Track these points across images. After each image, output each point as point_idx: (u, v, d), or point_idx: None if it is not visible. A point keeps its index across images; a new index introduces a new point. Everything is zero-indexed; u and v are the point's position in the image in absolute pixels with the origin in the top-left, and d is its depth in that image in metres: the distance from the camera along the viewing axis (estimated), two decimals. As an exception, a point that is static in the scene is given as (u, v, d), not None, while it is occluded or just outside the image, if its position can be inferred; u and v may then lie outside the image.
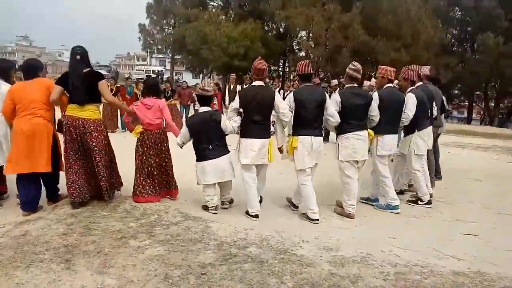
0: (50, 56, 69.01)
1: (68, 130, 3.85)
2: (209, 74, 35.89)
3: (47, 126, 3.83)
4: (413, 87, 4.63)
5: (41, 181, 3.96)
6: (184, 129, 4.08)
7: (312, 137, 3.89)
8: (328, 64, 24.50)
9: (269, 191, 4.56)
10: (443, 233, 3.82)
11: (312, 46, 27.27)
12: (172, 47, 36.61)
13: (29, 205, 3.80)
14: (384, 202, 4.48)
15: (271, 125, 4.11)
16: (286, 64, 33.37)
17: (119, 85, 10.71)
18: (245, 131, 3.94)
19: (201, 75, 36.09)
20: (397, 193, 4.62)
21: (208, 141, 3.93)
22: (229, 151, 4.09)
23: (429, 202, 4.66)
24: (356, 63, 4.20)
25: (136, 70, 50.65)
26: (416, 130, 4.61)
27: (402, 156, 4.82)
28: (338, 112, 4.01)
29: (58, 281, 2.61)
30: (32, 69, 3.97)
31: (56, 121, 4.10)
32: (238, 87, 10.12)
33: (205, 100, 4.13)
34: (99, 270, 2.75)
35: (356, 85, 4.26)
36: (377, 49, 22.02)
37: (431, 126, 4.84)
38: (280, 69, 35.74)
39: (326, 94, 4.06)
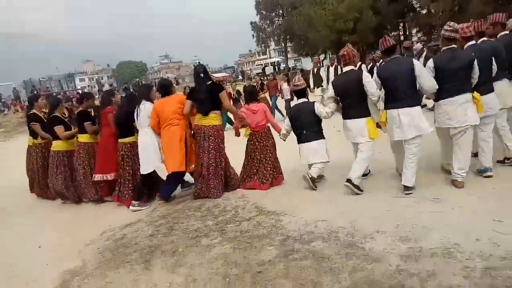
0: (187, 68, 78.43)
1: (196, 137, 4.56)
2: (323, 55, 35.15)
3: (181, 133, 4.54)
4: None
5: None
6: (286, 119, 4.79)
7: (399, 109, 3.81)
8: (454, 17, 20.94)
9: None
10: None
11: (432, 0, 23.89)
12: (283, 37, 37.28)
13: (163, 194, 4.70)
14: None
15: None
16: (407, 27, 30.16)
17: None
18: (343, 114, 4.28)
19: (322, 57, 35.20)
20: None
21: (303, 127, 4.43)
22: (323, 137, 4.48)
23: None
24: (452, 23, 3.81)
25: (256, 65, 53.25)
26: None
27: None
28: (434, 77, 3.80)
29: (137, 280, 2.96)
30: (166, 87, 4.80)
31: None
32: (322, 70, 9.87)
33: (299, 93, 4.64)
34: (171, 269, 3.01)
35: (455, 46, 3.84)
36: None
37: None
38: (401, 33, 32.60)
39: (415, 62, 3.85)
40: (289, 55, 43.86)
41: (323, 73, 10.03)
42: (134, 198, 4.73)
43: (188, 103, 4.53)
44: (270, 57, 55.87)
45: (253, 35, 39.38)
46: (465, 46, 3.99)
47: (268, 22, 38.62)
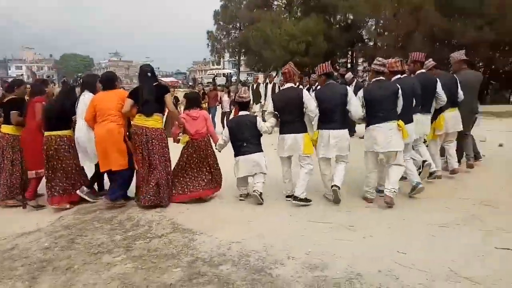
0: (136, 68, 75.49)
1: (134, 138, 4.26)
2: (275, 72, 35.96)
3: (119, 130, 4.24)
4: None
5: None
6: (225, 130, 4.62)
7: (330, 130, 4.17)
8: (396, 52, 22.56)
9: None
10: (472, 247, 3.08)
11: (380, 34, 25.62)
12: (238, 50, 37.45)
13: (112, 195, 4.29)
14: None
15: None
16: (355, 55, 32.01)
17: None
18: (281, 129, 4.39)
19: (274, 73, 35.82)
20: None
21: (243, 139, 4.38)
22: (262, 150, 4.48)
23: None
24: (380, 58, 4.29)
25: (208, 74, 52.87)
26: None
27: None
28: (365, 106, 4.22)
29: (17, 300, 2.59)
30: (110, 81, 4.48)
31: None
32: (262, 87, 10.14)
33: (243, 105, 4.66)
34: (60, 289, 2.68)
35: (383, 78, 4.30)
36: (454, 30, 19.42)
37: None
38: (348, 61, 34.46)
39: (348, 89, 4.29)
40: (242, 68, 44.25)
41: (262, 89, 10.12)
42: (66, 194, 4.38)
43: (129, 102, 4.24)
44: (224, 68, 55.98)
45: (208, 44, 39.18)
46: (392, 79, 4.34)
47: (224, 33, 38.70)
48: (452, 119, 5.01)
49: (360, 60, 33.18)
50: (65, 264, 3.02)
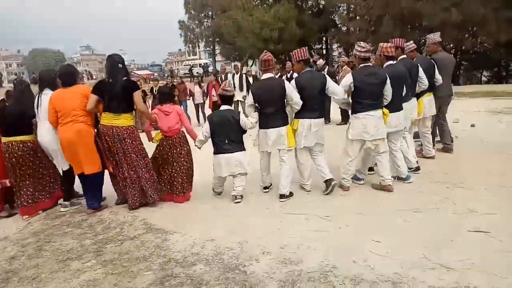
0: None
1: (104, 139, 3.92)
2: (246, 63, 35.66)
3: (89, 130, 3.92)
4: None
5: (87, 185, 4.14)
6: (206, 124, 4.24)
7: (312, 119, 4.10)
8: (368, 36, 22.76)
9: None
10: (445, 231, 3.12)
11: (351, 19, 25.73)
12: (212, 39, 36.76)
13: (92, 205, 4.10)
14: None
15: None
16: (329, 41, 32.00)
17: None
18: (262, 123, 4.15)
19: (250, 63, 35.41)
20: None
21: (226, 137, 4.08)
22: (244, 149, 4.20)
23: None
24: (363, 43, 4.09)
25: (184, 65, 51.55)
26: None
27: None
28: (352, 92, 4.10)
29: (-20, 315, 2.46)
30: (71, 76, 4.02)
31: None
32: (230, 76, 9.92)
33: (226, 99, 4.29)
34: (26, 301, 2.56)
35: (370, 64, 4.17)
36: (423, 12, 19.71)
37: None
38: (323, 47, 34.46)
39: (326, 77, 4.18)
40: (219, 58, 43.65)
41: (230, 79, 9.98)
42: (36, 203, 4.16)
43: (93, 98, 3.87)
44: (200, 58, 55.07)
45: (180, 34, 38.35)
46: (385, 65, 4.29)
47: (196, 22, 37.88)
48: (428, 103, 5.04)
49: (335, 46, 33.28)
50: (31, 273, 2.89)
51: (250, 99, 4.19)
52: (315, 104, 4.12)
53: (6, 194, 4.30)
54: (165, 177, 4.27)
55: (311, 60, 9.11)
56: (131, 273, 2.78)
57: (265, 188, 4.45)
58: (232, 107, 4.33)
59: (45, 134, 4.08)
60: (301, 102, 4.05)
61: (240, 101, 9.30)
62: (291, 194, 4.21)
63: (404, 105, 4.43)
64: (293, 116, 4.27)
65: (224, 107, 4.26)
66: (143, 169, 4.01)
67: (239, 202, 4.13)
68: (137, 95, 3.95)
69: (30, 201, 4.10)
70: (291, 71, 9.94)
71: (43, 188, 4.25)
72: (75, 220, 3.91)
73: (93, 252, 3.17)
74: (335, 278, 2.52)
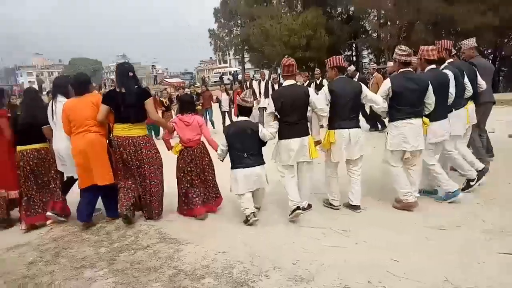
0: (144, 70, 75.96)
1: (119, 150, 3.84)
2: (275, 70, 35.76)
3: (102, 141, 3.90)
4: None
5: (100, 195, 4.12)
6: (223, 139, 3.97)
7: (350, 129, 3.82)
8: (399, 42, 22.17)
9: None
10: (472, 252, 2.89)
11: (382, 25, 25.24)
12: (241, 47, 37.12)
13: (84, 217, 3.96)
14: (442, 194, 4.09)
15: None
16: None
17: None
18: (283, 133, 3.85)
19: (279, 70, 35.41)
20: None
21: (244, 150, 3.82)
22: (264, 162, 3.94)
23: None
24: (404, 46, 3.86)
25: (214, 73, 52.44)
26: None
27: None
28: (390, 99, 3.85)
29: (-5, 320, 2.53)
30: (83, 85, 4.00)
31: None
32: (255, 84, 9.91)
33: (245, 110, 4.03)
34: (39, 307, 2.61)
35: (411, 69, 3.92)
36: (456, 17, 18.96)
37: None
38: (353, 53, 34.03)
39: (362, 85, 3.97)
40: (248, 66, 44.01)
41: (256, 86, 9.94)
42: (55, 207, 4.13)
43: (104, 108, 3.80)
44: (230, 66, 55.75)
45: (210, 42, 38.96)
46: (426, 69, 4.02)
47: (226, 30, 38.36)
48: (472, 112, 4.54)
49: (365, 52, 32.68)
50: (46, 279, 2.96)
51: (270, 107, 3.91)
52: (352, 113, 3.86)
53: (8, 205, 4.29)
54: (194, 188, 4.10)
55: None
56: (140, 284, 2.77)
57: (297, 209, 3.74)
58: (250, 118, 4.09)
59: (60, 140, 4.04)
60: (327, 108, 3.84)
61: (265, 108, 9.27)
62: (309, 206, 4.08)
63: (458, 112, 4.17)
64: (320, 126, 4.08)
65: (241, 118, 4.02)
66: (154, 182, 3.94)
67: (255, 221, 3.76)
68: (149, 104, 3.87)
69: (40, 210, 4.12)
70: (320, 78, 9.85)
71: (51, 194, 4.20)
72: (94, 227, 3.99)
73: (106, 260, 3.20)
74: (347, 299, 2.39)
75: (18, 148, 4.11)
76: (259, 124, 4.08)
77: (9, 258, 3.44)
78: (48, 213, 4.09)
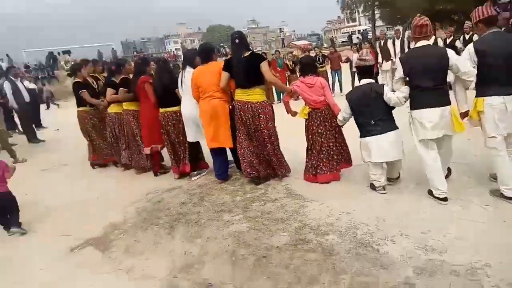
0: (273, 33, 78.02)
1: (239, 115, 4.07)
2: (409, 26, 31.88)
3: (224, 107, 4.22)
4: None
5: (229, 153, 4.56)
6: (344, 103, 3.77)
7: (505, 96, 3.04)
8: None
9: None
10: None
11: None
12: (371, 2, 34.20)
13: (221, 176, 4.43)
14: None
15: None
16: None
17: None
18: (416, 102, 3.30)
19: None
20: None
21: (371, 116, 3.55)
22: (397, 127, 3.56)
23: None
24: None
25: (342, 33, 50.13)
26: None
27: None
28: None
29: (159, 243, 3.19)
30: (207, 53, 4.32)
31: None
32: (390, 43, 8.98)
33: (364, 70, 3.73)
34: (190, 239, 3.17)
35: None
36: None
37: None
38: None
39: None
40: (379, 23, 40.31)
41: (390, 46, 9.07)
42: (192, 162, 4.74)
43: (225, 75, 4.03)
44: (359, 24, 52.24)
45: (337, 0, 36.86)
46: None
47: (355, -15, 35.61)
48: None
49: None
50: (195, 218, 3.53)
51: (399, 71, 3.40)
52: (508, 76, 3.04)
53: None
54: (323, 152, 4.03)
55: (504, 17, 7.46)
56: (269, 232, 3.07)
57: (443, 199, 3.27)
58: (373, 80, 3.77)
59: (186, 105, 4.48)
60: (474, 72, 3.14)
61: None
62: (449, 171, 3.61)
63: None
64: (465, 94, 3.33)
65: (363, 81, 3.70)
66: (270, 147, 4.04)
67: (391, 184, 3.70)
68: (264, 66, 3.91)
69: (186, 161, 4.75)
70: (470, 33, 8.46)
71: (182, 152, 4.78)
72: (231, 178, 4.50)
73: (241, 207, 3.61)
74: (487, 278, 2.19)
75: (160, 110, 4.74)
76: (384, 86, 3.71)
77: (167, 198, 4.19)
78: (193, 178, 4.70)
